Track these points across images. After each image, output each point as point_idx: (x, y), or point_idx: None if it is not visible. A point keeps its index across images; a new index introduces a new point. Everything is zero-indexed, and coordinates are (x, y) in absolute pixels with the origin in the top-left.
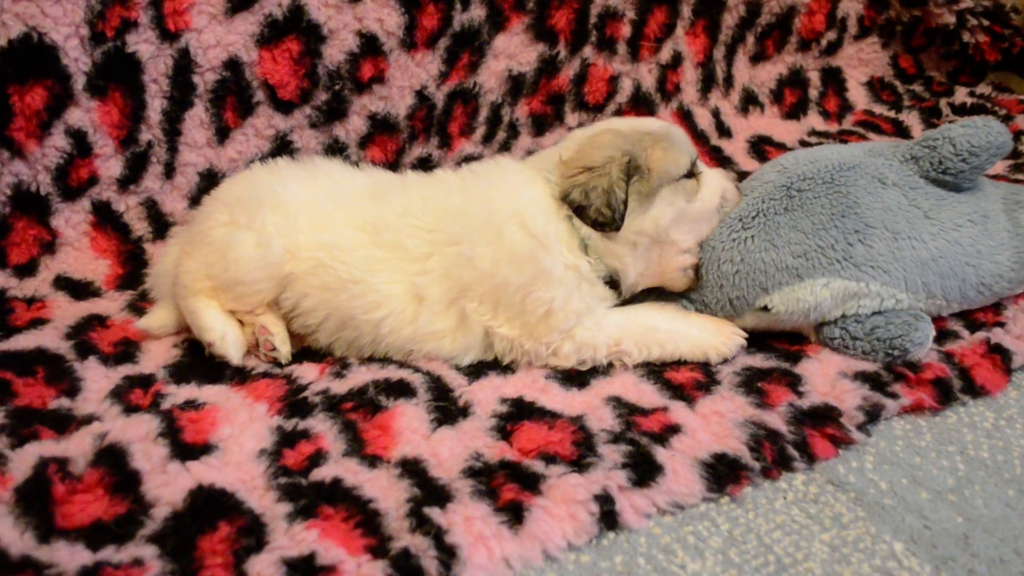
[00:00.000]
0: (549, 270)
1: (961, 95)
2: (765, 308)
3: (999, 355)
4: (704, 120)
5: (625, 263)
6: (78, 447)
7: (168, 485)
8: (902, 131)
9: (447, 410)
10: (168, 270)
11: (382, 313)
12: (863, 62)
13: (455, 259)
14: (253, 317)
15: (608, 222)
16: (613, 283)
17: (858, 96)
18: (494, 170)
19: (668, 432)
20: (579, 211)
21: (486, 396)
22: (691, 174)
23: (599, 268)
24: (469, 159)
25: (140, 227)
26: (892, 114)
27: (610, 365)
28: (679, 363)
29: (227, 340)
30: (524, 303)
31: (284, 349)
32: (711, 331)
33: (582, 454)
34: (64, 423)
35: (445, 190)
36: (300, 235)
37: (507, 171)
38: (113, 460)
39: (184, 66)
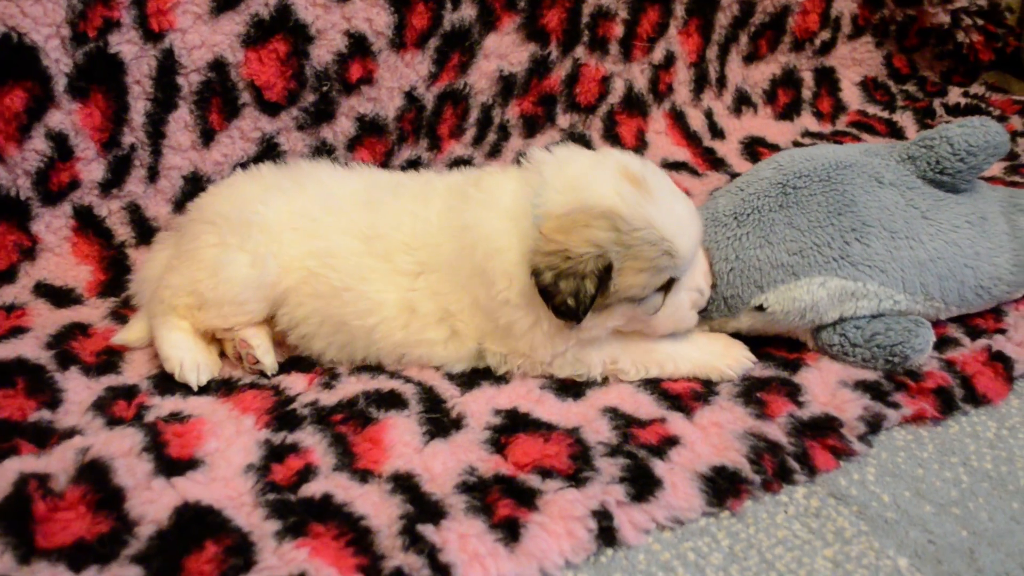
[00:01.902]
0: (510, 326)
1: (955, 95)
2: (760, 308)
3: (1000, 363)
4: (697, 121)
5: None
6: (59, 462)
7: (153, 502)
8: (896, 132)
9: (439, 422)
10: (152, 276)
11: (374, 320)
12: (856, 62)
13: (437, 286)
14: (232, 332)
15: (570, 314)
16: None
17: (852, 96)
18: (483, 197)
19: (666, 444)
20: (544, 293)
21: (479, 407)
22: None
23: None
24: (459, 161)
25: (123, 232)
26: (886, 114)
27: (605, 379)
28: None
29: (185, 368)
30: (504, 340)
31: (268, 360)
32: (716, 352)
33: (579, 468)
34: (45, 436)
35: (427, 211)
36: (288, 249)
37: (496, 201)
38: (96, 476)
39: (168, 67)
